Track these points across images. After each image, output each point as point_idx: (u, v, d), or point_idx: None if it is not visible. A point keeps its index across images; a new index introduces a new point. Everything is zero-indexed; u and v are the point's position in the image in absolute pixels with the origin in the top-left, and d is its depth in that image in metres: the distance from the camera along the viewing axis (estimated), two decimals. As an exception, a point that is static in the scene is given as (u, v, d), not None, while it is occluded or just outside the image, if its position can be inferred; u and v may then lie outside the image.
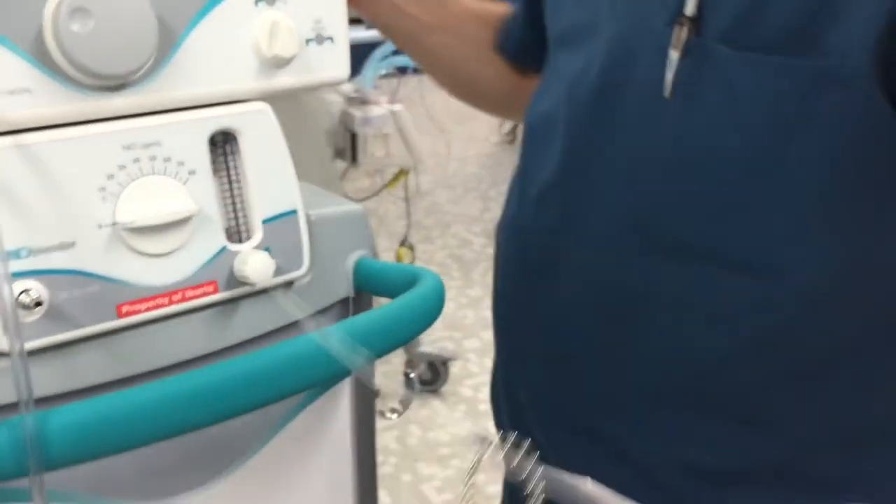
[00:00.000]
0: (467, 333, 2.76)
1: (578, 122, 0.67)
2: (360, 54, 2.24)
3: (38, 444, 0.39)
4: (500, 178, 3.92)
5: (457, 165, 3.97)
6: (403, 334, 0.54)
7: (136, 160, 0.47)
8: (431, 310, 0.55)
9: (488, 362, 2.78)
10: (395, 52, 2.31)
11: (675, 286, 0.62)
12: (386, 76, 2.34)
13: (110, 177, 0.47)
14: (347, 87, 2.35)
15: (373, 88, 2.35)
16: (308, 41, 0.53)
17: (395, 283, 0.57)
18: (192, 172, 0.49)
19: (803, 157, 0.55)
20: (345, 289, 0.59)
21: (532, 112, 0.75)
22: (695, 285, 0.61)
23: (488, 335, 2.89)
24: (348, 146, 2.38)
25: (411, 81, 2.57)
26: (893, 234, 0.57)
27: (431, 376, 2.42)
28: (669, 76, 0.59)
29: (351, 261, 0.59)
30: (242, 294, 0.52)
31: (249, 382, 0.46)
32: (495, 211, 3.37)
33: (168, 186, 0.48)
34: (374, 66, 2.31)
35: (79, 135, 0.46)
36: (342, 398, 0.63)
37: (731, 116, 0.57)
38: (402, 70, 2.29)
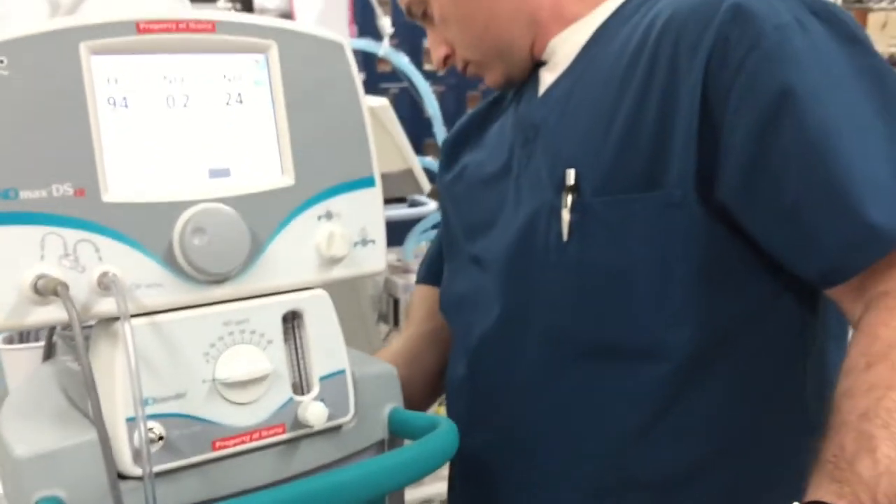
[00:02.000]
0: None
1: (505, 277, 0.88)
2: (402, 228, 2.48)
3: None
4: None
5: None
6: (425, 468, 0.69)
7: (231, 333, 0.65)
8: (447, 449, 0.71)
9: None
10: (434, 226, 2.53)
11: (588, 378, 0.81)
12: (425, 248, 2.55)
13: (212, 345, 0.64)
14: (390, 257, 2.57)
15: (413, 259, 2.56)
16: (356, 244, 0.72)
17: (419, 428, 0.73)
18: (269, 342, 0.67)
19: (667, 264, 0.76)
20: (380, 432, 0.75)
21: (450, 294, 1.00)
22: (606, 373, 0.81)
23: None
24: (391, 311, 2.56)
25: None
26: (741, 319, 0.78)
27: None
28: (565, 226, 0.80)
29: (386, 410, 0.75)
30: (304, 434, 0.68)
31: (310, 500, 0.61)
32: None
33: (252, 352, 0.66)
34: (415, 238, 2.53)
35: (192, 315, 0.64)
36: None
37: (611, 244, 0.79)
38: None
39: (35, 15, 1.20)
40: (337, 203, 0.70)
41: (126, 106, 0.63)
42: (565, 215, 0.80)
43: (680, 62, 0.75)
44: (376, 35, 2.46)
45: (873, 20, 3.89)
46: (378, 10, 2.25)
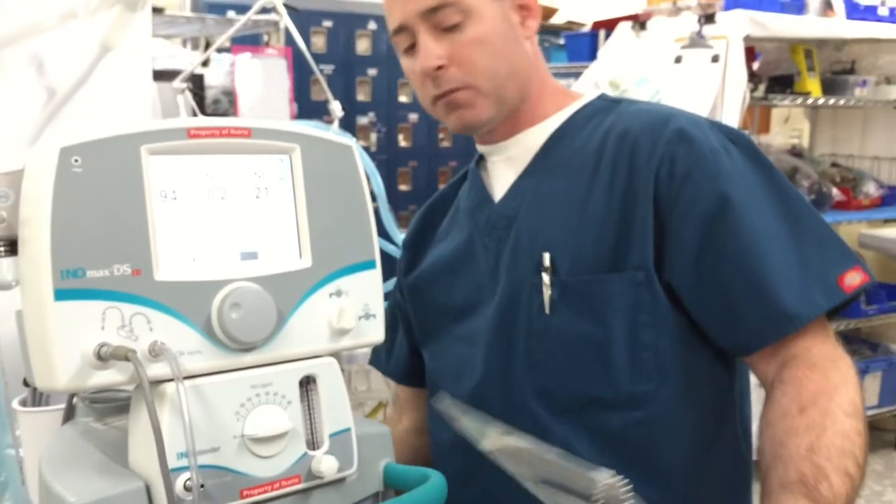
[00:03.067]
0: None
1: (490, 344, 1.02)
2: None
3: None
4: (467, 411, 4.13)
5: (427, 399, 4.21)
6: (419, 514, 0.79)
7: (258, 395, 0.75)
8: (436, 499, 0.81)
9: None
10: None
11: (572, 429, 0.96)
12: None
13: (242, 405, 0.74)
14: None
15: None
16: (360, 318, 0.83)
17: (411, 481, 0.83)
18: (289, 402, 0.77)
19: (637, 331, 0.94)
20: (377, 484, 0.85)
21: (436, 369, 1.13)
22: (586, 425, 0.96)
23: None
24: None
25: (390, 324, 2.88)
26: (697, 372, 0.97)
27: None
28: (546, 300, 0.97)
29: (381, 465, 0.85)
30: (316, 485, 0.78)
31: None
32: (464, 442, 3.57)
33: (275, 412, 0.76)
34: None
35: (225, 379, 0.74)
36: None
37: (590, 316, 0.95)
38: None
39: (33, 101, 1.29)
40: (346, 282, 0.82)
41: (175, 198, 0.74)
42: (546, 291, 0.96)
43: (636, 168, 0.95)
44: (314, 112, 2.59)
45: (776, 114, 4.24)
46: (329, 95, 2.39)
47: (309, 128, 0.82)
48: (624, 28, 3.55)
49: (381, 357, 1.29)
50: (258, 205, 0.78)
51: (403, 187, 5.51)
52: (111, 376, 0.69)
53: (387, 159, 5.39)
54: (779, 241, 0.92)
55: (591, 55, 3.77)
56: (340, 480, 0.81)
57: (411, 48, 1.02)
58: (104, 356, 0.68)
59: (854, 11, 3.28)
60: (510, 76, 1.01)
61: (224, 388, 0.74)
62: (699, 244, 0.92)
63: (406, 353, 1.24)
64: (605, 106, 1.06)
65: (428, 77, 1.00)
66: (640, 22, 3.49)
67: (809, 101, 3.31)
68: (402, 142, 5.53)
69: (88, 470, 0.75)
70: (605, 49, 3.63)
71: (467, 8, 0.97)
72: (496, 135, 1.07)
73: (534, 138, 1.05)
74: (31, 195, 0.70)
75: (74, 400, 0.89)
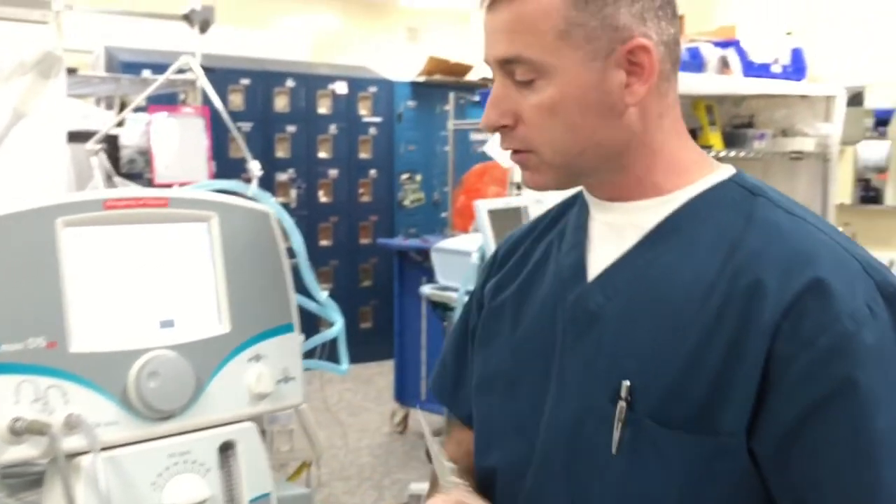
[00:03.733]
0: None
1: (545, 460, 0.84)
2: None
3: None
4: (392, 468, 4.13)
5: (352, 457, 4.18)
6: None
7: (176, 463, 0.75)
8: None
9: None
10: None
11: None
12: (290, 378, 2.63)
13: (160, 475, 0.74)
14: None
15: (278, 390, 2.62)
16: (279, 382, 0.84)
17: (333, 541, 0.84)
18: (208, 470, 0.77)
19: (703, 497, 0.77)
20: (299, 548, 0.85)
21: (482, 465, 0.92)
22: None
23: None
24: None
25: (309, 377, 2.87)
26: None
27: None
28: (615, 440, 0.77)
29: (303, 527, 0.86)
30: (236, 551, 0.78)
31: None
32: (389, 501, 3.56)
33: (194, 479, 0.76)
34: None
35: (143, 449, 0.74)
36: None
37: (658, 472, 0.77)
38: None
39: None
40: (264, 347, 0.83)
41: (91, 270, 0.74)
42: (617, 428, 0.78)
43: (753, 315, 0.75)
44: (233, 170, 2.59)
45: None
46: (247, 154, 2.40)
47: (226, 196, 0.84)
48: (536, 86, 3.67)
49: (445, 387, 1.03)
50: (176, 273, 0.79)
51: (324, 242, 5.51)
52: (25, 451, 0.69)
53: (307, 215, 5.39)
54: None
55: (506, 111, 3.88)
56: (262, 546, 0.81)
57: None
58: (18, 430, 0.68)
59: (749, 69, 3.48)
60: (585, 152, 0.83)
61: (141, 458, 0.74)
62: (797, 423, 0.74)
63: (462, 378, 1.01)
64: (738, 197, 0.83)
65: (493, 133, 0.86)
66: (551, 80, 3.62)
67: (712, 154, 3.47)
68: (323, 197, 5.55)
69: (0, 548, 0.73)
70: (519, 106, 3.74)
71: (543, 67, 0.80)
72: (597, 190, 0.88)
73: (643, 215, 0.85)
74: (-59, 270, 0.70)
75: (-15, 476, 0.87)
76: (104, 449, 0.72)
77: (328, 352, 2.72)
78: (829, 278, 0.76)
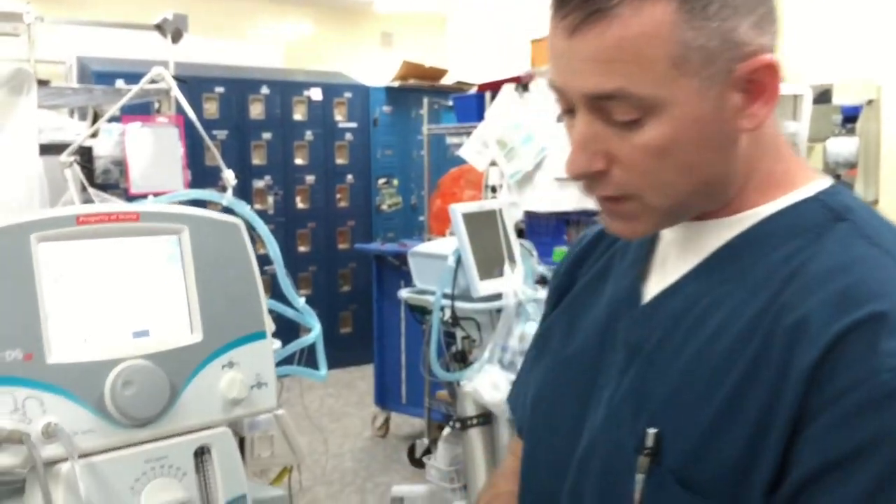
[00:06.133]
0: None
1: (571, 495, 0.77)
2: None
3: None
4: (374, 471, 4.15)
5: (334, 461, 4.20)
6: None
7: (153, 468, 0.78)
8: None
9: None
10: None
11: None
12: (269, 385, 2.65)
13: (137, 479, 0.77)
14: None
15: (258, 396, 2.64)
16: (252, 387, 0.87)
17: (308, 541, 0.87)
18: (184, 474, 0.80)
19: None
20: (275, 548, 0.88)
21: (526, 487, 0.86)
22: None
23: None
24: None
25: (289, 383, 2.89)
26: None
27: None
28: (638, 490, 0.69)
29: (278, 528, 0.89)
30: (213, 552, 0.81)
31: None
32: (372, 503, 3.58)
33: (170, 483, 0.79)
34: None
35: (120, 455, 0.77)
36: None
37: None
38: (281, 376, 2.62)
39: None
40: (237, 354, 0.86)
41: (66, 283, 0.77)
42: (639, 477, 0.69)
43: (794, 356, 0.64)
44: (209, 178, 2.60)
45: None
46: (221, 164, 2.42)
47: (197, 209, 0.86)
48: (508, 89, 3.71)
49: (513, 394, 0.98)
50: (148, 284, 0.82)
51: (303, 248, 5.53)
52: (4, 460, 0.71)
53: (285, 221, 5.41)
54: None
55: (479, 115, 3.92)
56: (240, 545, 0.84)
57: (569, 112, 0.72)
58: (-3, 440, 0.70)
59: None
60: (697, 192, 0.71)
61: (119, 464, 0.76)
62: (812, 476, 0.63)
63: None
64: (819, 220, 0.70)
65: (582, 179, 0.72)
66: (522, 84, 3.67)
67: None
68: (300, 203, 5.57)
69: (-18, 555, 0.76)
70: (492, 110, 3.78)
71: (653, 102, 0.66)
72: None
73: (710, 236, 0.74)
74: (-81, 287, 0.72)
75: (-35, 486, 0.89)
76: (82, 456, 0.74)
77: (307, 358, 2.75)
78: (892, 313, 0.62)
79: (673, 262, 0.76)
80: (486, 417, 3.22)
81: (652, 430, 0.69)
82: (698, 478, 0.67)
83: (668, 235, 0.78)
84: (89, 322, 0.78)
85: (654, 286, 0.77)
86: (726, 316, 0.69)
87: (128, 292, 0.80)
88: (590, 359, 0.79)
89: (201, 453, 0.82)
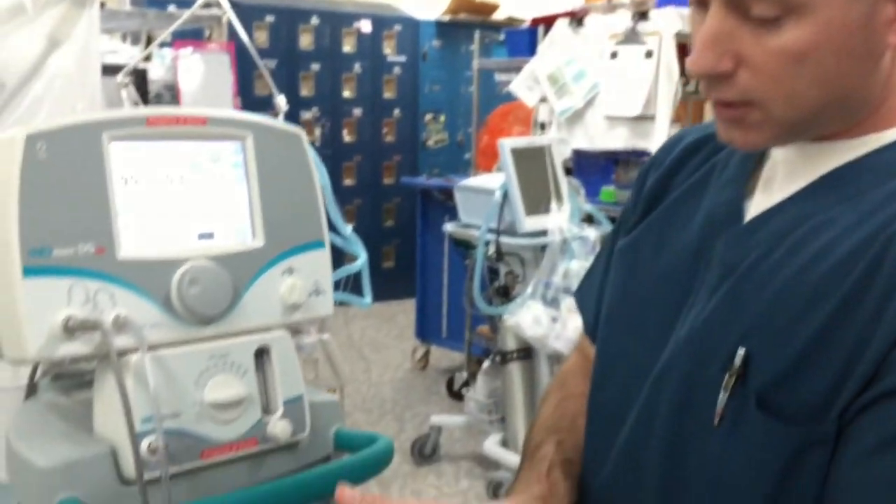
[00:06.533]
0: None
1: (639, 436, 0.77)
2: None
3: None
4: (413, 401, 4.23)
5: (374, 390, 4.28)
6: (363, 473, 0.86)
7: (216, 364, 0.81)
8: (382, 459, 0.88)
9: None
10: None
11: None
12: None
13: (201, 374, 0.80)
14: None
15: (303, 321, 2.70)
16: (310, 294, 0.89)
17: (360, 444, 0.90)
18: (245, 371, 0.83)
19: (794, 490, 0.66)
20: (328, 448, 0.91)
21: (595, 399, 0.86)
22: None
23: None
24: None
25: (338, 311, 2.94)
26: None
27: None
28: (718, 409, 0.68)
29: (332, 430, 0.92)
30: (271, 448, 0.84)
31: (279, 497, 0.77)
32: (410, 432, 3.66)
33: (232, 380, 0.81)
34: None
35: (186, 351, 0.80)
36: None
37: (758, 456, 0.67)
38: (329, 305, 2.66)
39: None
40: (296, 261, 0.88)
41: (135, 182, 0.79)
42: (721, 395, 0.69)
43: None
44: (259, 107, 2.63)
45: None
46: (274, 89, 2.43)
47: (261, 117, 0.87)
48: (562, 24, 3.65)
49: (589, 299, 0.96)
50: (213, 188, 0.84)
51: (348, 182, 5.56)
52: (78, 348, 0.74)
53: (331, 154, 5.43)
54: None
55: (531, 50, 3.87)
56: (294, 444, 0.87)
57: (701, 4, 0.68)
58: (71, 328, 0.73)
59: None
60: (827, 107, 0.67)
61: (184, 358, 0.79)
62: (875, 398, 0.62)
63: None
64: None
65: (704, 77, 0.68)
66: (577, 18, 3.60)
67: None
68: (347, 136, 5.58)
69: (56, 437, 0.79)
70: (544, 45, 3.73)
71: (797, 1, 0.62)
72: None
73: (824, 157, 0.71)
74: (-3, 179, 0.75)
75: (36, 377, 0.94)
76: (150, 349, 0.77)
77: (352, 286, 2.79)
78: None
79: (780, 181, 0.74)
80: (526, 352, 3.25)
81: (741, 350, 0.68)
82: (781, 403, 0.66)
83: (778, 154, 0.75)
84: (157, 221, 0.80)
85: (756, 205, 0.75)
86: (831, 239, 0.66)
87: (193, 195, 0.82)
88: (681, 274, 0.77)
89: (261, 354, 0.85)
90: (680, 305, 0.77)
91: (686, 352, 0.74)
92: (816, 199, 0.70)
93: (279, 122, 0.89)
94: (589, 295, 0.95)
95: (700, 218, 0.79)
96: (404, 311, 5.42)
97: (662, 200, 0.86)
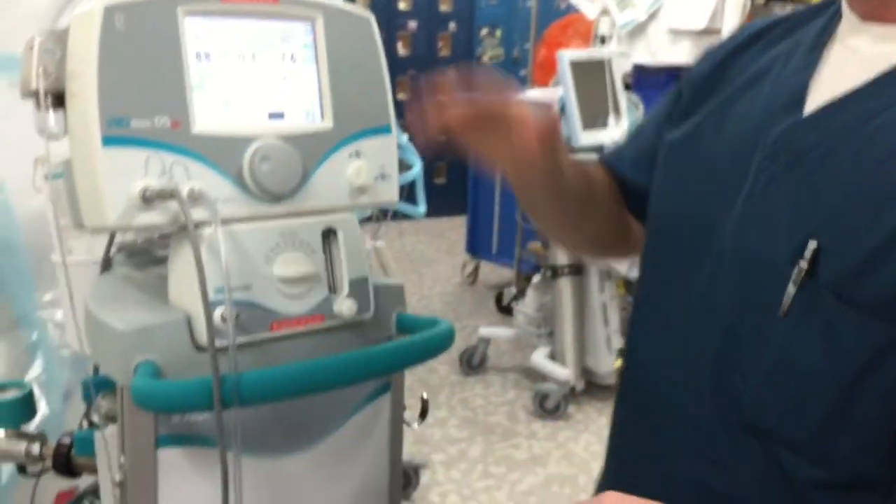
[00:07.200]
0: (434, 448, 3.04)
1: (696, 320, 0.79)
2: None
3: (238, 389, 0.73)
4: (462, 314, 4.28)
5: (424, 301, 4.34)
6: (424, 353, 0.88)
7: (285, 241, 0.83)
8: (444, 340, 0.90)
9: (454, 473, 3.05)
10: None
11: (747, 457, 0.75)
12: (369, 219, 2.73)
13: (271, 249, 0.82)
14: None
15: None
16: (376, 178, 0.90)
17: (421, 326, 0.92)
18: (313, 251, 0.85)
19: (868, 389, 0.67)
20: (390, 329, 0.93)
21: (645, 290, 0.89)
22: (763, 458, 0.73)
23: (453, 449, 3.20)
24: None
25: (391, 225, 2.97)
26: None
27: (404, 482, 2.68)
28: (787, 300, 0.69)
29: (394, 312, 0.94)
30: (337, 325, 0.86)
31: (344, 368, 0.80)
32: (458, 343, 3.71)
33: (300, 258, 0.83)
34: (360, 210, 2.70)
35: (255, 226, 0.81)
36: (384, 410, 0.96)
37: (826, 349, 0.68)
38: (384, 213, 2.69)
39: None
40: (364, 144, 0.88)
41: (209, 58, 0.80)
42: (790, 287, 0.69)
43: None
44: None
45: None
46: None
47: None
48: (627, -66, 3.53)
49: (619, 155, 1.02)
50: (284, 68, 0.84)
51: (401, 95, 5.52)
52: (154, 217, 0.77)
53: (386, 21, 5.35)
54: None
55: (594, -39, 3.76)
56: (358, 323, 0.89)
57: None
58: (149, 198, 0.75)
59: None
60: None
61: (255, 234, 0.81)
62: None
63: (648, 153, 0.94)
64: None
65: None
66: (643, -73, 3.47)
67: (809, 11, 3.31)
68: (401, 50, 5.53)
69: (133, 305, 0.83)
70: (608, -45, 3.61)
71: None
72: (880, 11, 0.71)
73: (884, 46, 0.70)
74: (77, 51, 0.76)
75: (112, 252, 0.97)
76: (222, 222, 0.79)
77: (405, 198, 2.81)
78: None
79: (849, 71, 0.72)
80: (577, 268, 3.26)
81: (812, 244, 0.67)
82: (856, 295, 0.66)
83: (845, 40, 0.74)
84: (230, 98, 0.81)
85: (821, 95, 0.73)
86: None
87: (264, 74, 0.83)
88: (739, 159, 0.77)
89: (328, 235, 0.87)
90: (735, 191, 0.76)
91: (748, 243, 0.74)
92: (887, 92, 0.68)
93: (349, 5, 0.88)
94: (621, 155, 1.00)
95: (761, 104, 0.78)
96: (454, 227, 5.44)
97: (718, 88, 0.85)
